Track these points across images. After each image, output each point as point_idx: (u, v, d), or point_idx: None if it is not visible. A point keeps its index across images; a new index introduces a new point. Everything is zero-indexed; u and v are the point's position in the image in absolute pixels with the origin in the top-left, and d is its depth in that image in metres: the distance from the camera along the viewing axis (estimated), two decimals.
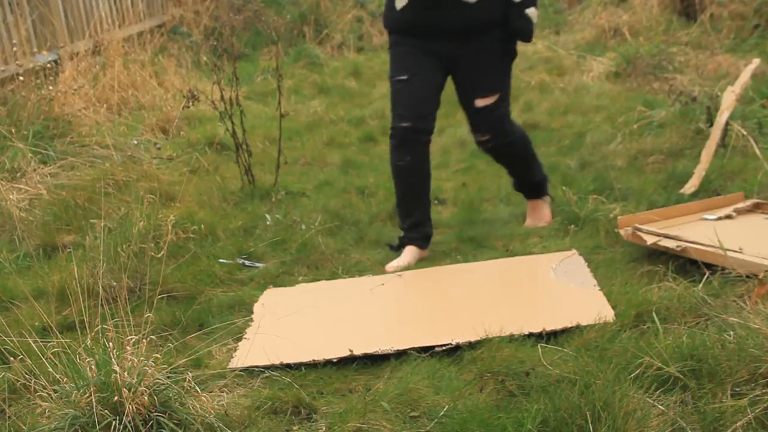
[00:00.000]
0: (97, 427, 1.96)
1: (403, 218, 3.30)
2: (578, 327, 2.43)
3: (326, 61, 7.12)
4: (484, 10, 3.11)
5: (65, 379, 2.06)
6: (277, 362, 2.40)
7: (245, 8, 7.06)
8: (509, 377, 2.24)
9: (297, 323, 2.71)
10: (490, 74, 3.24)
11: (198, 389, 2.12)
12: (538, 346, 2.35)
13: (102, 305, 2.41)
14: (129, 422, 1.96)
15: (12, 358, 2.15)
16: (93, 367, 2.03)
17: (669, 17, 6.91)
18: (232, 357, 2.49)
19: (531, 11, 3.15)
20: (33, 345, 2.16)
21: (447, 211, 3.80)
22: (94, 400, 1.97)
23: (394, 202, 3.39)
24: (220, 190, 4.05)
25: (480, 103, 3.24)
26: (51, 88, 4.87)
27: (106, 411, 1.97)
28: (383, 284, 2.96)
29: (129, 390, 1.99)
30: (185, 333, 2.62)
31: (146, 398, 2.00)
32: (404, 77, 3.16)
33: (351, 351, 2.42)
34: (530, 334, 2.43)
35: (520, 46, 3.29)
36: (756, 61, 4.54)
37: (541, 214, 3.52)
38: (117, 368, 2.00)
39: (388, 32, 3.32)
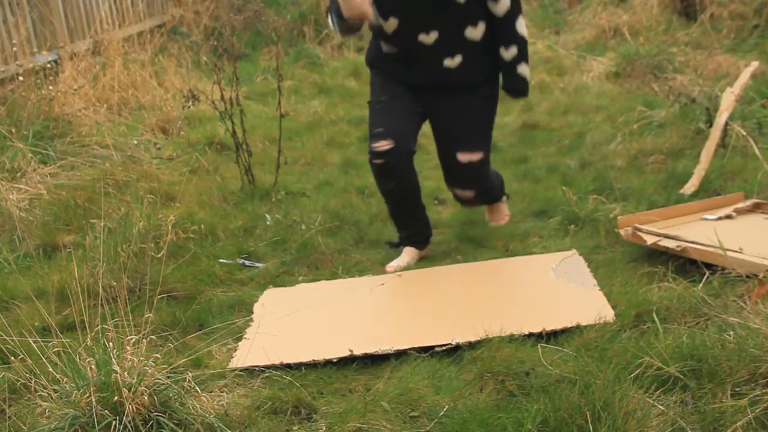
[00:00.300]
0: (97, 427, 1.96)
1: (400, 230, 3.28)
2: (578, 327, 2.43)
3: (326, 61, 7.12)
4: (468, 73, 3.03)
5: (65, 379, 2.06)
6: (277, 362, 2.40)
7: (245, 8, 7.06)
8: (509, 377, 2.24)
9: (297, 323, 2.71)
10: (475, 128, 3.13)
11: (198, 389, 2.12)
12: (538, 346, 2.35)
13: (102, 305, 2.41)
14: (129, 422, 1.96)
15: (12, 358, 2.15)
16: (93, 367, 2.03)
17: (669, 17, 6.91)
18: (232, 357, 2.49)
19: (524, 69, 3.03)
20: (33, 345, 2.16)
21: (447, 211, 3.79)
22: (94, 400, 1.97)
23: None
24: (220, 190, 4.05)
25: (463, 158, 3.12)
26: (51, 88, 4.87)
27: (106, 411, 1.97)
28: (383, 284, 2.96)
29: (129, 390, 1.99)
30: (185, 333, 2.62)
31: (146, 398, 2.00)
32: (384, 98, 3.08)
33: (351, 351, 2.42)
34: (530, 334, 2.43)
35: None
36: (755, 64, 4.54)
37: (501, 212, 3.52)
38: (117, 368, 2.00)
39: (370, 67, 3.26)
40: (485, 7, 2.96)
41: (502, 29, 3.00)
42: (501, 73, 3.08)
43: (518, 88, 3.08)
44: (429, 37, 2.96)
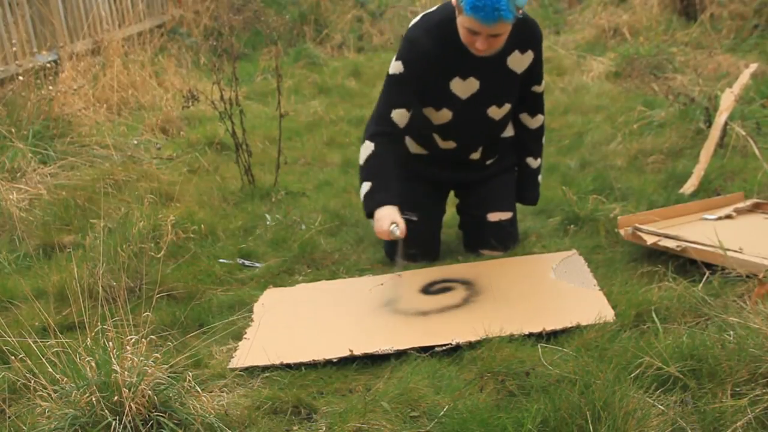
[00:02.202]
0: (97, 427, 1.96)
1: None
2: (578, 327, 2.43)
3: (326, 61, 7.12)
4: (502, 163, 3.20)
5: (65, 379, 2.06)
6: (277, 362, 2.40)
7: (245, 8, 7.07)
8: (509, 377, 2.24)
9: (297, 323, 2.71)
10: (504, 191, 3.21)
11: (198, 389, 2.12)
12: (538, 346, 2.35)
13: (102, 305, 2.41)
14: (129, 422, 1.96)
15: (12, 358, 2.15)
16: (93, 366, 2.03)
17: (669, 17, 6.92)
18: (232, 357, 2.49)
19: (541, 177, 3.25)
20: (33, 345, 2.16)
21: (447, 211, 3.79)
22: (94, 400, 1.97)
23: None
24: (220, 190, 4.05)
25: (493, 217, 3.17)
26: (51, 88, 4.87)
27: (106, 411, 1.97)
28: (383, 284, 2.96)
29: (129, 390, 1.99)
30: (185, 333, 2.62)
31: (146, 398, 2.00)
32: (413, 218, 3.00)
33: (351, 351, 2.42)
34: (530, 334, 2.43)
35: None
36: (754, 65, 4.55)
37: None
38: (117, 368, 2.00)
39: None
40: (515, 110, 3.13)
41: (533, 140, 3.20)
42: (521, 182, 3.24)
43: (536, 196, 3.27)
44: (477, 153, 3.13)
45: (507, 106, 3.04)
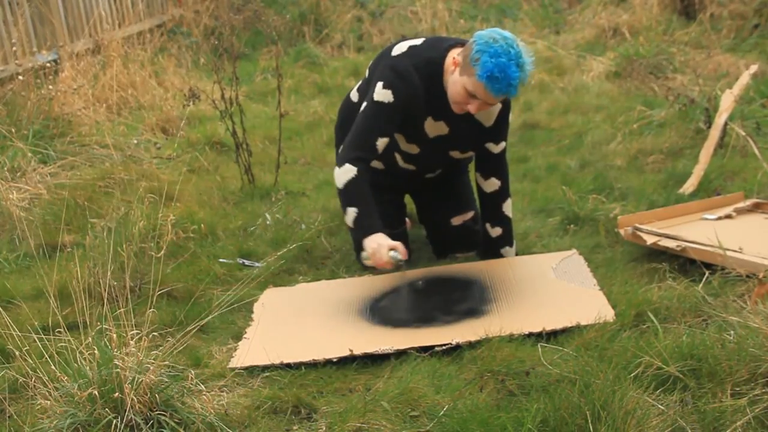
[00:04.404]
0: (98, 426, 1.96)
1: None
2: (578, 327, 2.44)
3: (326, 60, 7.11)
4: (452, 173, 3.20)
5: (66, 378, 2.06)
6: (277, 362, 2.40)
7: (245, 8, 7.05)
8: (509, 377, 2.24)
9: (297, 323, 2.71)
10: (462, 191, 3.20)
11: (199, 388, 2.13)
12: (538, 346, 2.35)
13: (102, 305, 2.41)
14: (130, 420, 1.97)
15: (13, 357, 2.15)
16: (94, 365, 2.03)
17: (669, 17, 6.92)
18: (232, 357, 2.49)
19: (510, 249, 3.11)
20: (34, 344, 2.16)
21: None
22: (94, 398, 1.97)
23: None
24: (220, 190, 4.05)
25: (457, 221, 3.15)
26: (51, 87, 4.87)
27: (107, 409, 1.98)
28: (382, 284, 2.96)
29: (130, 388, 1.99)
30: (185, 332, 2.61)
31: (147, 397, 2.00)
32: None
33: (351, 351, 2.42)
34: (530, 334, 2.43)
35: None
36: (754, 66, 4.55)
37: None
38: (117, 367, 2.00)
39: None
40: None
41: (489, 206, 3.07)
42: (484, 250, 3.12)
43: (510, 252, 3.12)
44: (433, 174, 3.14)
45: (470, 153, 3.06)
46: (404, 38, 3.01)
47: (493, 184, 3.03)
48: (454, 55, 2.79)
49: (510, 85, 2.62)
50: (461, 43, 2.82)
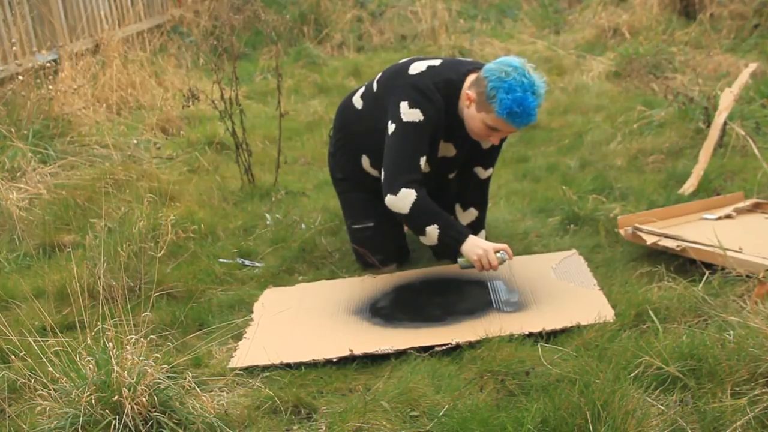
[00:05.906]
0: (98, 426, 1.96)
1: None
2: (578, 327, 2.44)
3: (326, 60, 7.12)
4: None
5: (65, 379, 2.06)
6: (277, 362, 2.40)
7: (245, 8, 7.05)
8: (509, 377, 2.24)
9: (297, 323, 2.71)
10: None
11: (198, 389, 2.12)
12: (538, 346, 2.35)
13: (101, 305, 2.41)
14: (129, 421, 1.96)
15: (12, 357, 2.15)
16: (93, 366, 2.03)
17: (669, 17, 6.92)
18: (232, 357, 2.49)
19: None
20: (33, 344, 2.16)
21: None
22: (94, 399, 1.97)
23: None
24: (220, 190, 4.05)
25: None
26: (51, 87, 4.87)
27: (106, 410, 1.98)
28: (382, 284, 2.96)
29: (129, 389, 1.99)
30: (185, 332, 2.62)
31: (146, 397, 2.00)
32: (371, 224, 3.08)
33: (351, 351, 2.42)
34: (530, 334, 2.43)
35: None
36: (754, 65, 4.55)
37: None
38: (117, 368, 2.00)
39: (343, 181, 3.20)
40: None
41: (480, 190, 3.12)
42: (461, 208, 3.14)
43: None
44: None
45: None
46: (418, 57, 2.97)
47: (470, 215, 3.11)
48: (467, 88, 2.78)
49: (530, 115, 2.66)
50: (478, 68, 2.82)
